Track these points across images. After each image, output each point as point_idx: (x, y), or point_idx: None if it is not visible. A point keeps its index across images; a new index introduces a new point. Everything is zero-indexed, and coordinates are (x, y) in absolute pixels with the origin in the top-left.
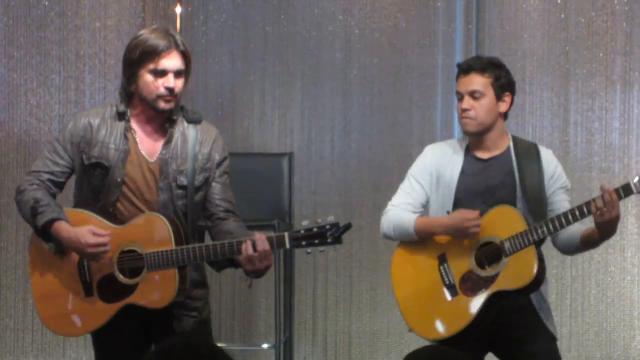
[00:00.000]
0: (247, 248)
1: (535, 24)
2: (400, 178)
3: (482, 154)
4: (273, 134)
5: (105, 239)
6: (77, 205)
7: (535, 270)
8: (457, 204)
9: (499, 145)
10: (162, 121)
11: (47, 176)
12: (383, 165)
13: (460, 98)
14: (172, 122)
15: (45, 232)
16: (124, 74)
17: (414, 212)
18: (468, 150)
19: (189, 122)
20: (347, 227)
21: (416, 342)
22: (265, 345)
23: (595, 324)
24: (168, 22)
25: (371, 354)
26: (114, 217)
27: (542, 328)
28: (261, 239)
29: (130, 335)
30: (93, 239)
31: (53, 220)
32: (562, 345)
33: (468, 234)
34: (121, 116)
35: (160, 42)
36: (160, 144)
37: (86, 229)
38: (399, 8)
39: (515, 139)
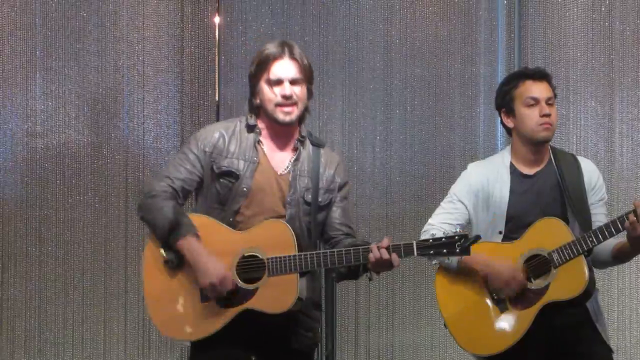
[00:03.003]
0: (374, 254)
1: (579, 32)
2: (442, 189)
3: (528, 170)
4: None
5: (223, 293)
6: (198, 212)
7: (587, 279)
8: (509, 222)
9: (544, 157)
10: (290, 138)
11: (179, 183)
12: (425, 176)
13: (535, 104)
14: (301, 141)
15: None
16: (249, 87)
17: None
18: (512, 167)
19: (313, 145)
20: (476, 239)
21: (459, 355)
22: None
23: None
24: (207, 33)
25: None
26: (234, 227)
27: (599, 341)
28: (387, 250)
29: (231, 349)
30: (217, 282)
31: (187, 234)
32: None
33: (503, 290)
34: (251, 129)
35: (273, 51)
36: (288, 159)
37: (222, 271)
38: (440, 17)
39: (554, 150)
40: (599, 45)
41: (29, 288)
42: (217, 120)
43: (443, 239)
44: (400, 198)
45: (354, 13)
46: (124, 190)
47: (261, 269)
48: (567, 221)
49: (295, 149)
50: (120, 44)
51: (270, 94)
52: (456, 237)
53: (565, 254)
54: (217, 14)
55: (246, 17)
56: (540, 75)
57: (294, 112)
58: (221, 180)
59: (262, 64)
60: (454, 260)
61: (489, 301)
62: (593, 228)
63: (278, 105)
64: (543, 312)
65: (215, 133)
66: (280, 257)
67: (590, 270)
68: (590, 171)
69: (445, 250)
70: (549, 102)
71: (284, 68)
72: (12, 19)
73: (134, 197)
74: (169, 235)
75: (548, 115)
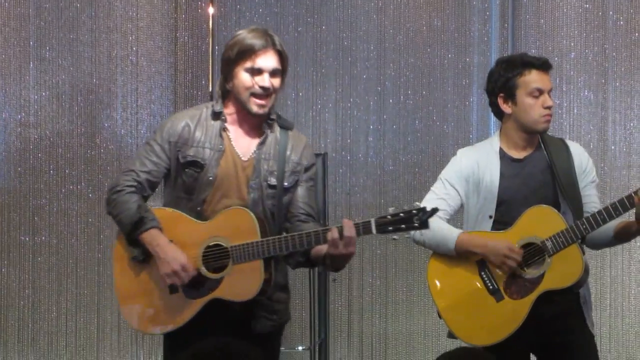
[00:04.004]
0: (333, 234)
1: (572, 21)
2: (435, 178)
3: (517, 154)
4: (307, 135)
5: (185, 280)
6: (166, 205)
7: (583, 267)
8: (500, 206)
9: (534, 143)
10: (257, 122)
11: (144, 176)
12: (418, 165)
13: (539, 94)
14: (269, 124)
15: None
16: (222, 71)
17: (449, 219)
18: (501, 151)
19: (281, 127)
20: (434, 210)
21: (452, 344)
22: (300, 348)
23: (636, 324)
24: (200, 23)
25: (407, 355)
26: (202, 216)
27: (585, 328)
28: (348, 225)
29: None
30: (178, 268)
31: (150, 228)
32: (602, 346)
33: (503, 265)
34: (217, 116)
35: (258, 42)
36: (254, 143)
37: (182, 258)
38: (434, 7)
39: (542, 136)
40: (593, 35)
41: (23, 278)
42: None
43: (401, 214)
44: (393, 187)
45: (348, 3)
46: None
47: (226, 258)
48: (557, 205)
49: (261, 133)
50: (113, 34)
51: (248, 82)
52: (414, 211)
53: (560, 242)
54: (210, 4)
55: (240, 7)
56: (547, 66)
57: (267, 105)
58: (187, 170)
59: (245, 52)
60: (450, 245)
61: (484, 291)
62: (585, 210)
63: (254, 95)
64: (537, 300)
65: (180, 122)
66: (243, 245)
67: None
68: (579, 154)
69: (404, 225)
70: (549, 94)
71: (268, 59)
72: (6, 9)
73: None
74: (132, 230)
75: (550, 107)
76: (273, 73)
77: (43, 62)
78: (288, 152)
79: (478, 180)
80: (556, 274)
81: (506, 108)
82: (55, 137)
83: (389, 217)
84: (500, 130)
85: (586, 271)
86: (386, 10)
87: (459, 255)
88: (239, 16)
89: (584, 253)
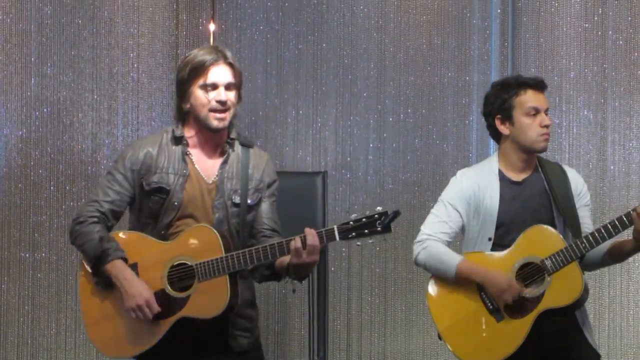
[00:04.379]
0: (296, 243)
1: (572, 41)
2: (435, 197)
3: (516, 177)
4: (307, 153)
5: (149, 316)
6: (131, 229)
7: (582, 285)
8: (499, 229)
9: (532, 165)
10: (219, 141)
11: (108, 206)
12: (417, 184)
13: (536, 114)
14: (230, 143)
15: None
16: (177, 94)
17: (450, 242)
18: (500, 173)
19: (242, 145)
20: (396, 214)
21: None
22: None
23: (635, 345)
24: (201, 40)
25: None
26: (167, 239)
27: (587, 347)
28: (311, 234)
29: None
30: (143, 303)
31: (114, 259)
32: None
33: (499, 298)
34: (178, 140)
35: (208, 57)
36: (217, 164)
37: (146, 294)
38: (434, 25)
39: (539, 159)
40: (592, 54)
41: (22, 294)
42: None
43: (363, 219)
44: (393, 206)
45: (348, 21)
46: None
47: (192, 276)
48: (554, 227)
49: (223, 153)
50: (114, 50)
51: (204, 99)
52: (376, 216)
53: (559, 260)
54: (211, 21)
55: (240, 24)
56: (542, 86)
57: (226, 118)
58: (152, 197)
59: (197, 69)
60: (450, 273)
61: (484, 311)
62: (582, 232)
63: (212, 110)
64: (537, 319)
65: (141, 150)
66: (207, 261)
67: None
68: (575, 178)
69: (367, 231)
70: (546, 113)
71: (220, 73)
72: (7, 25)
73: None
74: (96, 262)
75: (548, 126)
76: (227, 87)
77: (44, 78)
78: (250, 170)
79: (478, 202)
80: (556, 293)
81: (504, 129)
82: (56, 154)
83: (351, 223)
84: (499, 152)
85: (586, 290)
86: (386, 28)
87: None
88: (239, 33)
89: (583, 272)
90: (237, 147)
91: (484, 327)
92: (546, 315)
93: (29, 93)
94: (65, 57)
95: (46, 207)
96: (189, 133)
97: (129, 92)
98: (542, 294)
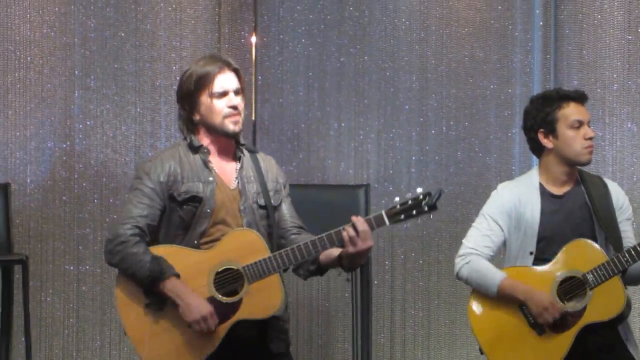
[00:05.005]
0: (349, 232)
1: (615, 53)
2: (478, 210)
3: (557, 190)
4: (349, 165)
5: (212, 327)
6: (161, 243)
7: (625, 299)
8: (540, 242)
9: (573, 178)
10: (232, 147)
11: (144, 221)
12: (460, 197)
13: (579, 126)
14: (240, 149)
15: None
16: (183, 106)
17: (492, 256)
18: (541, 187)
19: (249, 151)
20: (441, 193)
21: None
22: None
23: None
24: (243, 53)
25: None
26: (200, 248)
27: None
28: (359, 221)
29: None
30: (207, 315)
31: (170, 277)
32: None
33: (540, 317)
34: (196, 150)
35: (212, 66)
36: (234, 170)
37: (206, 305)
38: (476, 38)
39: (580, 172)
40: (636, 67)
41: (67, 307)
42: (255, 140)
43: (409, 201)
44: (435, 219)
45: (390, 34)
46: None
47: (239, 280)
48: (596, 241)
49: (237, 159)
50: (157, 63)
51: (217, 107)
52: (421, 197)
53: (601, 274)
54: (253, 34)
55: (282, 36)
56: (584, 98)
57: (240, 121)
58: (184, 206)
59: (203, 79)
60: (492, 290)
61: (526, 325)
62: (623, 246)
63: (226, 116)
64: (579, 333)
65: (164, 163)
66: (256, 263)
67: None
68: (617, 192)
69: (414, 212)
70: (588, 125)
71: (228, 80)
72: (52, 39)
73: None
74: (150, 283)
75: (592, 138)
76: (236, 92)
77: (88, 91)
78: (264, 173)
79: (519, 216)
80: (598, 307)
81: (547, 143)
82: (100, 167)
83: (398, 206)
84: (540, 166)
85: (628, 304)
86: (428, 41)
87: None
88: (281, 46)
89: (626, 287)
90: (245, 152)
91: (525, 341)
92: (588, 329)
93: (72, 106)
94: (109, 70)
95: (90, 220)
96: (204, 142)
97: (171, 105)
98: (584, 309)
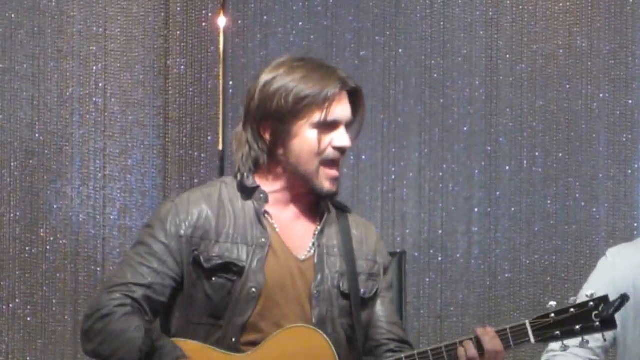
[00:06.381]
0: (468, 350)
1: None
2: (577, 291)
3: None
4: (374, 221)
5: None
6: (176, 336)
7: None
8: None
9: None
10: (311, 199)
11: (142, 292)
12: (550, 270)
13: None
14: (327, 202)
15: None
16: (260, 133)
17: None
18: None
19: (336, 208)
20: (624, 299)
21: None
22: None
23: None
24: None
25: None
26: (238, 350)
27: None
28: (488, 334)
29: None
30: None
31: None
32: None
33: None
34: (249, 193)
35: (329, 83)
36: (311, 231)
37: None
38: (576, 18)
39: None
40: None
41: None
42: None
43: (571, 310)
44: (511, 306)
45: (439, 13)
46: None
47: None
48: None
49: (319, 216)
50: (67, 62)
51: (320, 145)
52: (591, 304)
53: None
54: (221, 13)
55: (268, 18)
56: None
57: (339, 177)
58: (214, 279)
59: (310, 99)
60: None
61: None
62: None
63: (325, 163)
64: None
65: (192, 207)
66: None
67: None
68: None
69: (578, 327)
70: None
71: (343, 108)
72: None
73: None
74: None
75: None
76: (347, 125)
77: None
78: (356, 245)
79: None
80: None
81: None
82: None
83: (552, 315)
84: None
85: None
86: (501, 24)
87: None
88: (265, 32)
89: None
90: (332, 209)
91: None
92: None
93: None
94: None
95: None
96: (268, 187)
97: (91, 128)
98: None
